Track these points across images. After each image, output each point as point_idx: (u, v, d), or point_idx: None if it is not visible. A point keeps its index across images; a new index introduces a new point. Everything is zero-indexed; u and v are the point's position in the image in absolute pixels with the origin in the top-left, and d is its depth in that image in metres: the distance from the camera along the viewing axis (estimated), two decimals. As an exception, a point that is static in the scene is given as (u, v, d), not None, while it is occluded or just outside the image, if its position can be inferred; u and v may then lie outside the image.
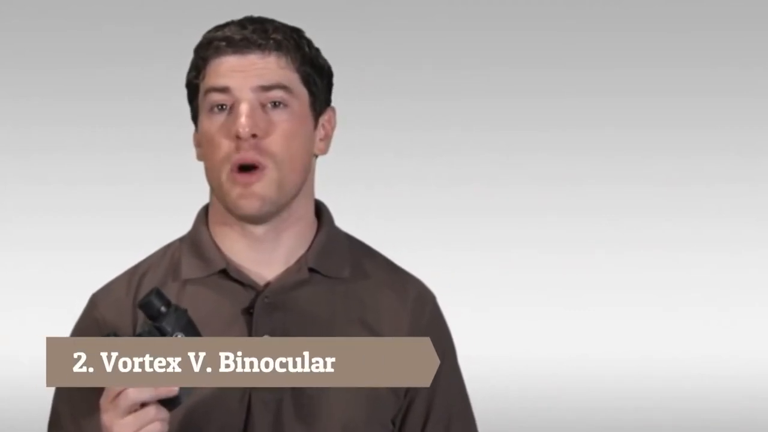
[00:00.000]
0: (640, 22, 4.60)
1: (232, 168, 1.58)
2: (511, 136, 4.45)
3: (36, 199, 4.50)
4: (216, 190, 1.62)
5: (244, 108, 1.58)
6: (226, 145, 1.59)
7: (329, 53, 1.69)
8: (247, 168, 1.58)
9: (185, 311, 1.50)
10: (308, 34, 1.68)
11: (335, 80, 1.71)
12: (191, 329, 1.50)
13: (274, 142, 1.59)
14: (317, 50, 1.66)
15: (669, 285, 4.62)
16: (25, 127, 4.53)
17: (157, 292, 1.49)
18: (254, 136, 1.57)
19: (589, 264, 4.58)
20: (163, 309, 1.49)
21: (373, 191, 4.35)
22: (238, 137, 1.57)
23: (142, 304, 1.49)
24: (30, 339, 4.36)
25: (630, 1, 4.60)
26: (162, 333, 1.48)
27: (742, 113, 4.61)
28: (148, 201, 4.43)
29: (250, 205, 1.59)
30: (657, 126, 4.59)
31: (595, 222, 4.49)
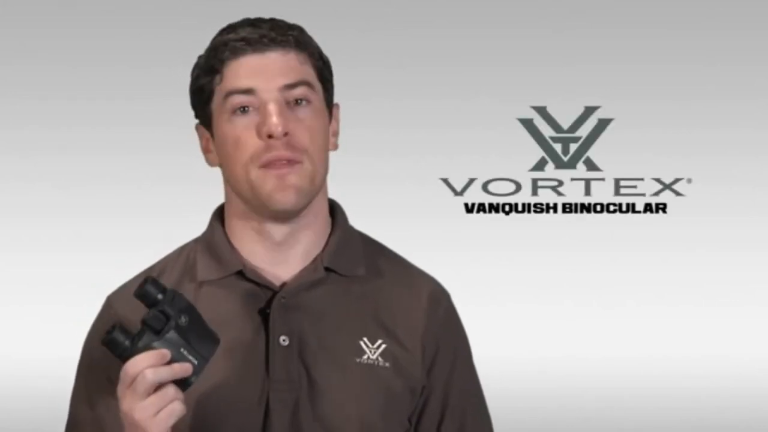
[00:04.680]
0: (638, 20, 4.60)
1: (262, 165, 1.58)
2: (513, 134, 4.44)
3: (36, 198, 4.50)
4: (244, 190, 1.62)
5: (273, 108, 1.59)
6: (253, 144, 1.59)
7: (328, 53, 1.71)
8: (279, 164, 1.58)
9: (181, 294, 1.52)
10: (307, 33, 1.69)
11: (336, 78, 1.72)
12: (192, 310, 1.52)
13: (304, 138, 1.60)
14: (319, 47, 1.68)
15: (669, 285, 4.61)
16: (25, 127, 4.52)
17: (152, 281, 1.51)
18: (286, 134, 1.58)
19: (589, 264, 4.58)
20: (160, 296, 1.51)
21: (374, 191, 4.35)
22: (270, 137, 1.57)
23: (139, 294, 1.51)
24: (29, 340, 4.36)
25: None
26: (166, 316, 1.50)
27: (744, 112, 4.60)
28: (149, 201, 4.43)
29: (286, 198, 1.60)
30: (658, 125, 4.58)
31: (597, 222, 4.49)
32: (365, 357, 1.64)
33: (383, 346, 1.65)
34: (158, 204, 4.36)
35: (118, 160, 4.47)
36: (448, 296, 1.74)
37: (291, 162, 1.56)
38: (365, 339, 1.65)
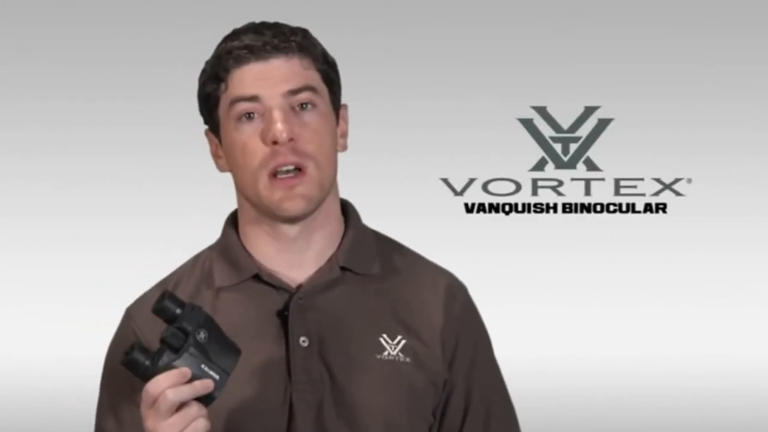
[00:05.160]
0: (636, 20, 4.60)
1: (270, 173, 1.59)
2: (513, 135, 4.45)
3: (36, 198, 4.50)
4: (252, 197, 1.63)
5: (277, 114, 1.60)
6: (260, 151, 1.61)
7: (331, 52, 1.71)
8: (286, 171, 1.59)
9: (200, 307, 1.52)
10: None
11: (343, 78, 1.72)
12: (211, 323, 1.52)
13: (310, 143, 1.61)
14: (325, 49, 1.68)
15: (669, 285, 4.61)
16: (25, 127, 4.52)
17: (170, 296, 1.51)
18: (291, 140, 1.59)
19: (589, 264, 4.58)
20: (178, 311, 1.51)
21: (374, 191, 4.35)
22: (275, 143, 1.58)
23: (157, 310, 1.51)
24: (29, 340, 4.36)
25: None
26: (184, 333, 1.50)
27: (744, 112, 4.60)
28: (149, 201, 4.43)
29: (294, 207, 1.61)
30: (658, 125, 4.58)
31: (597, 222, 4.49)
32: (386, 353, 1.65)
33: (403, 341, 1.65)
34: (158, 204, 4.35)
35: (118, 160, 4.47)
36: (465, 290, 1.75)
37: (298, 169, 1.58)
38: (385, 336, 1.65)
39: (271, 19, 1.67)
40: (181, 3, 4.45)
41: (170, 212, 4.19)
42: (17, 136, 4.50)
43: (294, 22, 1.66)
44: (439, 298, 1.70)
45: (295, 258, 1.65)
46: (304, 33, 1.64)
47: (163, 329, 1.54)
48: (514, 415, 1.78)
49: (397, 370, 1.65)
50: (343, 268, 1.67)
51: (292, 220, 1.62)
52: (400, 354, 1.65)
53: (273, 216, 1.62)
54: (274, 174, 1.59)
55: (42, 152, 4.50)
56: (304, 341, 1.62)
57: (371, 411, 1.62)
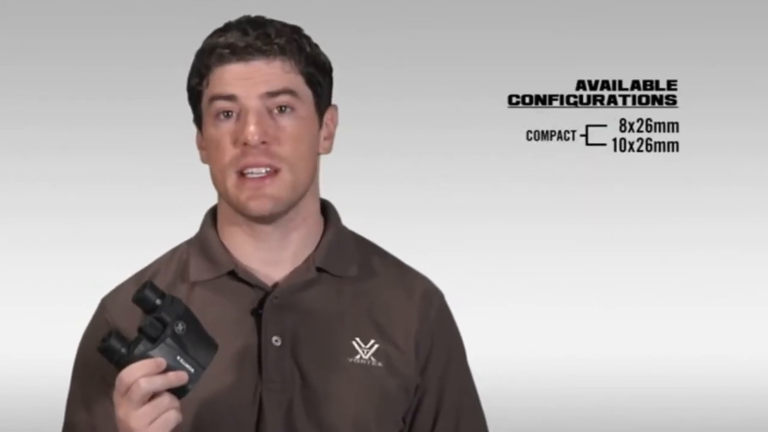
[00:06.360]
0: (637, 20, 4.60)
1: (239, 171, 1.60)
2: (515, 136, 4.45)
3: (36, 198, 4.50)
4: (223, 194, 1.64)
5: (252, 116, 1.60)
6: (232, 151, 1.61)
7: (328, 53, 1.70)
8: (257, 173, 1.59)
9: (180, 300, 1.52)
10: (307, 33, 1.68)
11: (336, 79, 1.72)
12: (190, 316, 1.52)
13: (284, 147, 1.61)
14: (317, 47, 1.67)
15: (669, 285, 4.61)
16: (25, 127, 4.52)
17: (151, 285, 1.51)
18: (263, 143, 1.59)
19: (589, 264, 4.58)
20: (158, 301, 1.51)
21: (374, 191, 4.35)
22: (246, 144, 1.59)
23: (138, 299, 1.51)
24: (29, 340, 4.36)
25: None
26: (162, 323, 1.50)
27: (744, 112, 4.60)
28: (149, 201, 4.43)
29: (261, 206, 1.61)
30: (659, 127, 4.58)
31: (596, 222, 4.49)
32: (358, 357, 1.65)
33: (376, 346, 1.65)
34: (158, 204, 4.35)
35: (118, 160, 4.47)
36: (441, 295, 1.74)
37: (270, 170, 1.58)
38: (358, 339, 1.65)
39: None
40: (181, 3, 4.45)
41: (170, 212, 4.18)
42: (17, 136, 4.50)
43: (293, 22, 1.66)
44: (415, 303, 1.70)
45: (271, 256, 1.65)
46: (290, 35, 1.63)
47: (137, 321, 1.54)
48: (483, 416, 1.78)
49: (369, 374, 1.65)
50: (319, 269, 1.67)
51: (260, 219, 1.62)
52: (373, 358, 1.65)
53: (242, 214, 1.62)
54: (242, 173, 1.59)
55: (42, 152, 4.50)
56: (276, 340, 1.62)
57: (341, 413, 1.62)
